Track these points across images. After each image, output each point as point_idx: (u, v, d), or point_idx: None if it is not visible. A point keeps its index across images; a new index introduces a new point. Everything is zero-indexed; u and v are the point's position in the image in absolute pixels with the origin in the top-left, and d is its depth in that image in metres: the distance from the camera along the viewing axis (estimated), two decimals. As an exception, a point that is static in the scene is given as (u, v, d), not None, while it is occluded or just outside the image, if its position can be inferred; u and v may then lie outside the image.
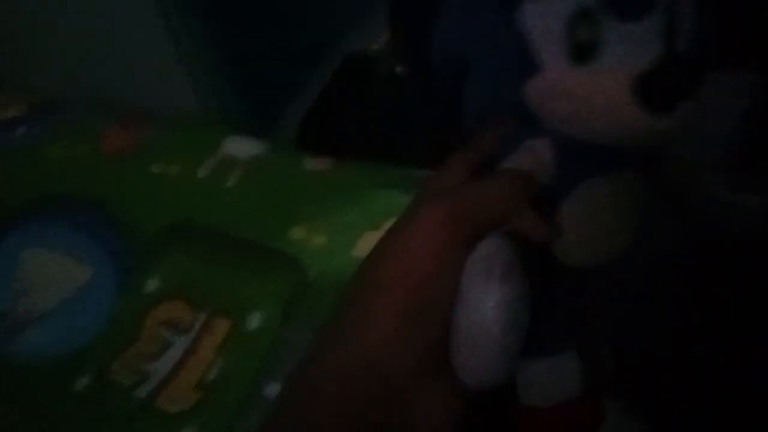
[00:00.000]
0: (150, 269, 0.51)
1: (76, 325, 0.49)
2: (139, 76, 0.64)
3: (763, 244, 0.39)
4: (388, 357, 0.24)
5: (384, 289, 0.25)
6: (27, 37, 0.67)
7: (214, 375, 0.45)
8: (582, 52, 0.25)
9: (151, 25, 0.58)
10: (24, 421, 0.45)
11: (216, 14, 0.63)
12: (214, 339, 0.47)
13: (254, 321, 0.47)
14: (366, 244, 0.49)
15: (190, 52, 0.61)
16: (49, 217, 0.55)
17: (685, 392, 0.38)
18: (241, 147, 0.57)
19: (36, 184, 0.58)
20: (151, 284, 0.50)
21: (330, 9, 0.81)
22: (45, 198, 0.57)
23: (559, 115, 0.26)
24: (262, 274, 0.49)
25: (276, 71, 0.73)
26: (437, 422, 0.24)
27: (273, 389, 0.43)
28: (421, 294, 0.24)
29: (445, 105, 0.33)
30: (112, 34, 0.61)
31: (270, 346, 0.45)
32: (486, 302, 0.23)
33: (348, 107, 0.76)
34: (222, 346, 0.47)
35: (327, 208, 0.52)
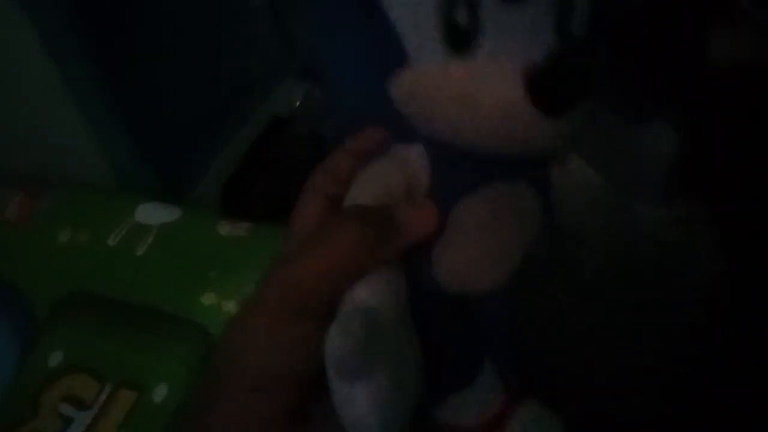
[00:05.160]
0: (53, 341, 0.49)
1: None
2: (47, 145, 0.63)
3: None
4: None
5: (224, 369, 0.24)
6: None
7: (115, 451, 0.43)
8: (459, 40, 0.21)
9: (56, 93, 0.58)
10: None
11: (124, 80, 0.63)
12: (118, 413, 0.45)
13: (160, 393, 0.45)
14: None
15: (99, 119, 0.61)
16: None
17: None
18: (155, 214, 0.56)
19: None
20: (54, 358, 0.48)
21: (246, 71, 0.82)
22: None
23: (433, 117, 0.22)
24: (170, 343, 0.48)
25: (192, 136, 0.73)
26: None
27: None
28: (262, 369, 0.23)
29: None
30: (16, 102, 0.61)
31: (174, 417, 0.43)
32: (353, 402, 0.21)
33: (269, 169, 0.76)
34: (126, 419, 0.45)
35: (240, 273, 0.52)
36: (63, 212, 0.57)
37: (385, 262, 0.23)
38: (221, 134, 0.78)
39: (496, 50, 0.21)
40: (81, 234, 0.55)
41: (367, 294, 0.22)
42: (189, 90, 0.74)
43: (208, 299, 0.50)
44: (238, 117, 0.80)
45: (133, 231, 0.54)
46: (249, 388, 0.23)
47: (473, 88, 0.21)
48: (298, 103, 0.81)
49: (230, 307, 0.50)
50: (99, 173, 0.65)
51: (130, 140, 0.66)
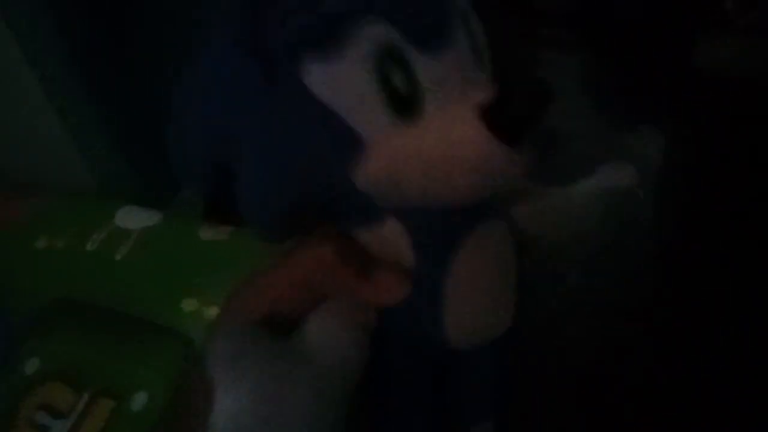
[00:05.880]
0: (30, 349, 0.48)
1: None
2: (27, 150, 0.62)
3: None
4: None
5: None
6: None
7: (93, 461, 0.42)
8: (405, 106, 0.21)
9: (37, 98, 0.57)
10: None
11: (106, 84, 0.62)
12: (96, 421, 0.45)
13: (139, 401, 0.45)
14: (262, 313, 0.48)
15: (80, 123, 0.60)
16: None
17: None
18: (135, 218, 0.55)
19: None
20: (31, 366, 0.48)
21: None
22: None
23: (404, 189, 0.21)
24: (149, 351, 0.47)
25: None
26: None
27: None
28: None
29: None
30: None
31: (153, 427, 0.43)
32: (217, 411, 0.19)
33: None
34: (105, 428, 0.44)
35: (221, 278, 0.51)
36: (41, 217, 0.56)
37: (349, 293, 0.23)
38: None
39: (443, 102, 0.21)
40: (59, 239, 0.54)
41: (312, 321, 0.22)
42: (172, 93, 0.73)
43: (188, 305, 0.49)
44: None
45: (113, 235, 0.53)
46: None
47: (434, 142, 0.20)
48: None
49: (212, 313, 0.49)
50: (80, 179, 0.64)
51: (112, 145, 0.65)
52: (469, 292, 0.24)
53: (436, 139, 0.20)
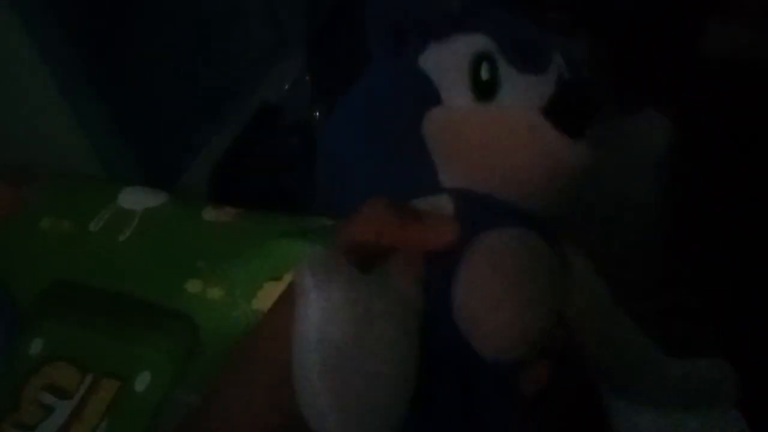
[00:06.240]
0: (34, 331, 0.48)
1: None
2: (32, 134, 0.62)
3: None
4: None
5: (255, 359, 0.23)
6: None
7: (97, 440, 0.42)
8: (484, 90, 0.25)
9: (41, 82, 0.57)
10: None
11: (111, 68, 0.62)
12: (100, 401, 0.44)
13: (143, 382, 0.44)
14: (267, 295, 0.48)
15: (85, 107, 0.59)
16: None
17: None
18: (138, 199, 0.55)
19: None
20: (35, 347, 0.47)
21: (235, 59, 0.81)
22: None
23: (460, 156, 0.25)
24: (153, 332, 0.46)
25: (179, 124, 0.72)
26: None
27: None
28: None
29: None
30: (1, 94, 0.59)
31: (158, 408, 0.42)
32: (302, 318, 0.19)
33: (258, 157, 0.75)
34: (109, 408, 0.44)
35: (226, 259, 0.51)
36: (45, 200, 0.56)
37: (406, 251, 0.23)
38: (209, 122, 0.77)
39: (513, 98, 0.25)
40: (63, 221, 0.53)
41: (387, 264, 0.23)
42: (176, 78, 0.72)
43: (192, 286, 0.49)
44: (227, 104, 0.79)
45: (116, 216, 0.53)
46: (267, 383, 0.22)
47: (500, 122, 0.25)
48: (287, 87, 0.80)
49: (215, 294, 0.48)
50: (85, 162, 0.63)
51: (117, 128, 0.64)
52: (481, 274, 0.23)
53: (502, 118, 0.25)
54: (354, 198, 0.25)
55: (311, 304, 0.19)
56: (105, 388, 0.45)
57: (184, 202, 0.55)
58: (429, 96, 0.26)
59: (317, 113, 0.78)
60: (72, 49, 0.59)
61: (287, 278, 0.48)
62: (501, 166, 0.25)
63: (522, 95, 0.25)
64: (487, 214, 0.24)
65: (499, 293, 0.22)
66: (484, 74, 0.25)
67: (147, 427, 0.42)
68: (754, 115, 0.81)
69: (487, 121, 0.25)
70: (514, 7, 0.28)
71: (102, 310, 0.48)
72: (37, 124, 0.62)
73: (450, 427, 0.24)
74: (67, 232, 0.53)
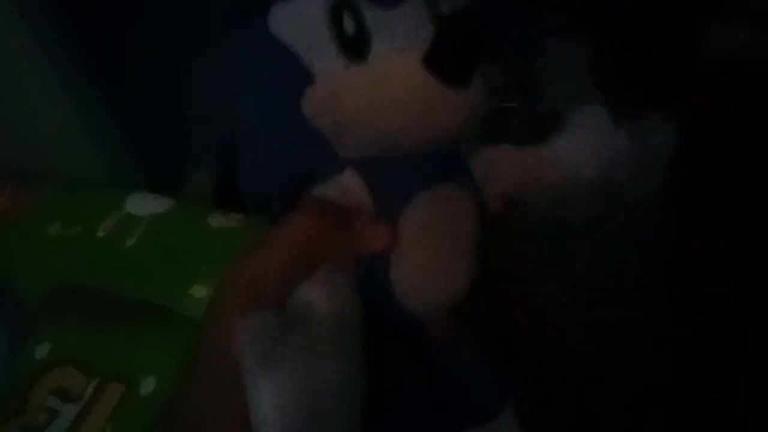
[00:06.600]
0: (41, 335, 0.48)
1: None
2: (39, 139, 0.62)
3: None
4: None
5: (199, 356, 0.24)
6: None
7: (103, 444, 0.42)
8: (353, 48, 0.22)
9: (48, 87, 0.57)
10: None
11: (117, 73, 0.62)
12: (106, 405, 0.45)
13: (148, 386, 0.45)
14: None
15: (92, 112, 0.60)
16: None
17: None
18: (145, 205, 0.55)
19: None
20: (42, 351, 0.48)
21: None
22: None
23: (347, 124, 0.23)
24: (159, 336, 0.47)
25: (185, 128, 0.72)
26: None
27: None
28: (220, 362, 0.22)
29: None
30: (7, 96, 0.60)
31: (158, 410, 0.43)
32: (258, 396, 0.19)
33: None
34: (114, 412, 0.44)
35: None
36: (53, 205, 0.56)
37: (339, 256, 0.23)
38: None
39: (387, 47, 0.22)
40: (71, 226, 0.54)
41: (309, 289, 0.21)
42: (182, 81, 0.73)
43: (198, 291, 0.49)
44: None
45: (123, 222, 0.53)
46: (222, 381, 0.22)
47: (379, 82, 0.22)
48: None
49: (220, 298, 0.48)
50: (92, 167, 0.64)
51: (123, 133, 0.65)
52: (415, 249, 0.24)
53: (379, 79, 0.22)
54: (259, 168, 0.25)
55: (260, 389, 0.19)
56: (110, 392, 0.45)
57: (190, 208, 0.56)
58: (298, 71, 0.23)
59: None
60: (80, 55, 0.60)
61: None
62: (389, 133, 0.23)
63: (398, 47, 0.22)
64: (398, 179, 0.24)
65: (425, 262, 0.24)
66: (349, 27, 0.22)
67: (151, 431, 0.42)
68: (755, 114, 0.81)
69: (364, 90, 0.22)
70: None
71: (108, 315, 0.49)
72: (46, 129, 0.62)
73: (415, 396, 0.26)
74: (75, 237, 0.53)
